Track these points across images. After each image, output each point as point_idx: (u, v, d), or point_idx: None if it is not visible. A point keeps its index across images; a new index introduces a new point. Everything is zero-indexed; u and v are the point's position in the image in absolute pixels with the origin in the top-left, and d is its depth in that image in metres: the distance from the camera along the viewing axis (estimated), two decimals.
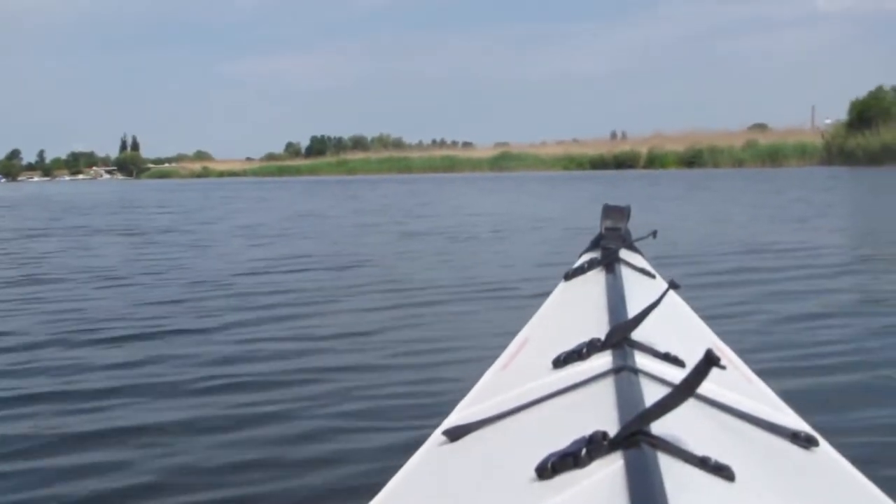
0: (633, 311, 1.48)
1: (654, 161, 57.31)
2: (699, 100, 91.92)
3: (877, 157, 44.90)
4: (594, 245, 2.46)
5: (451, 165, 69.76)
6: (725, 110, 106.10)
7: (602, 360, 1.23)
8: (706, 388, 0.97)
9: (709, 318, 1.94)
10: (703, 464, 0.84)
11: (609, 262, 2.13)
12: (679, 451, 0.85)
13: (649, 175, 44.24)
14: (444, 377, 3.92)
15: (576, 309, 1.84)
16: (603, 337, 1.31)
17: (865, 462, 1.17)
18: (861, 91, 51.32)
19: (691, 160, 55.11)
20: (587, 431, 0.88)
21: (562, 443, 0.90)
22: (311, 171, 79.86)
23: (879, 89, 49.71)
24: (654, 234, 2.55)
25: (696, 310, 1.97)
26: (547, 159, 64.93)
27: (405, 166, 72.87)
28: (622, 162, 59.03)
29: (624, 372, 1.13)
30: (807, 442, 1.09)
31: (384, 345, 4.83)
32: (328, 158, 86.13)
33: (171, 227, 15.67)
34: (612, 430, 0.89)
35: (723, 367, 0.86)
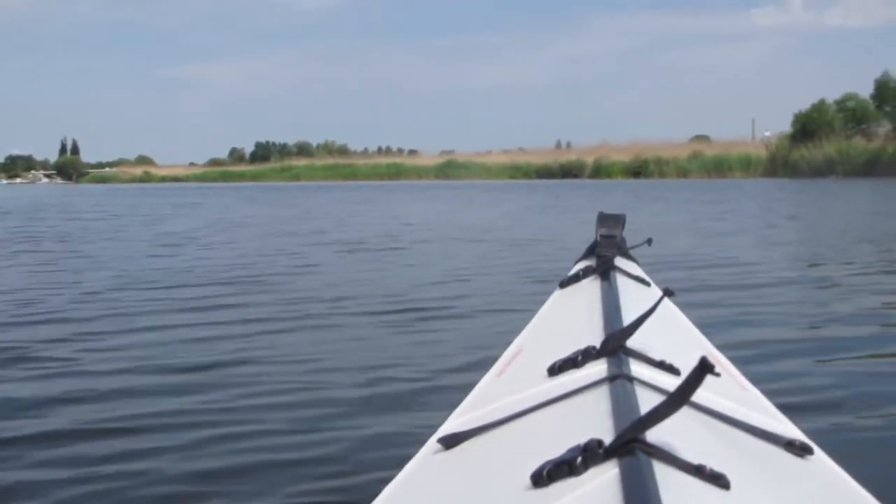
0: (628, 318, 1.47)
1: (601, 171, 57.50)
2: (643, 111, 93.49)
3: (820, 170, 45.52)
4: (589, 253, 2.46)
5: (396, 173, 69.64)
6: (669, 122, 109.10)
7: (597, 368, 1.22)
8: (701, 395, 0.98)
9: (701, 326, 1.92)
10: (699, 472, 0.85)
11: (604, 270, 2.12)
12: (674, 460, 0.86)
13: (597, 184, 44.29)
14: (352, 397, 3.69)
15: (571, 317, 1.85)
16: (598, 345, 1.30)
17: (860, 470, 1.12)
18: (800, 104, 52.19)
19: (637, 170, 55.34)
20: (582, 439, 0.89)
21: (557, 451, 0.90)
22: (255, 177, 79.02)
23: (822, 102, 50.32)
24: (650, 241, 2.51)
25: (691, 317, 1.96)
26: (493, 168, 64.95)
27: (350, 173, 72.57)
28: (568, 171, 59.13)
29: (619, 380, 1.13)
30: (802, 450, 1.09)
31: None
32: (273, 164, 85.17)
33: (69, 235, 14.52)
34: (608, 437, 0.89)
35: (717, 375, 0.87)
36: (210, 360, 4.33)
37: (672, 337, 1.63)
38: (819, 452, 1.11)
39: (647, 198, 26.34)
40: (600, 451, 0.86)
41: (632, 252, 2.53)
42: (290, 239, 12.90)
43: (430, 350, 4.65)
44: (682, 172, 53.45)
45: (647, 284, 2.23)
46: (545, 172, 60.46)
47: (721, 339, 2.17)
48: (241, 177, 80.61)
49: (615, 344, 1.28)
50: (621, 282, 2.05)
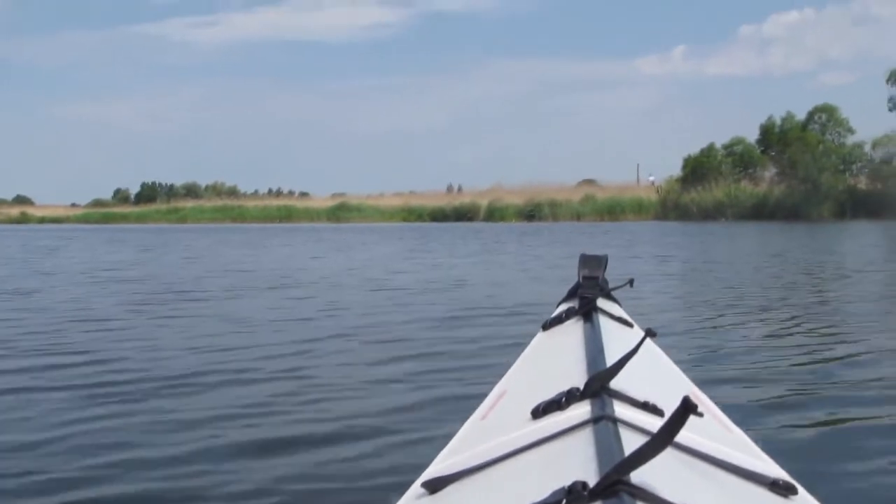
0: (611, 359, 1.46)
1: (495, 214, 56.96)
2: (533, 155, 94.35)
3: (710, 213, 46.13)
4: (572, 294, 2.45)
5: (287, 215, 67.63)
6: (559, 165, 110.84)
7: (581, 410, 1.22)
8: (685, 436, 0.98)
9: (684, 366, 1.94)
10: None
11: (587, 312, 2.13)
12: (659, 501, 0.87)
13: (490, 227, 43.60)
14: None
15: (554, 358, 1.86)
16: (581, 386, 1.30)
17: None
18: (683, 149, 53.24)
19: (531, 213, 55.06)
20: (567, 482, 0.89)
21: (542, 493, 0.90)
22: (140, 218, 75.17)
23: (711, 147, 51.12)
24: (631, 282, 2.49)
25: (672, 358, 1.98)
26: (386, 210, 63.82)
27: (239, 215, 69.97)
28: (462, 214, 58.37)
29: (603, 421, 1.13)
30: (786, 490, 1.10)
31: None
32: (158, 206, 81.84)
33: None
34: (592, 479, 0.89)
35: (700, 415, 0.89)
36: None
37: (655, 377, 1.64)
38: (803, 492, 1.13)
39: (545, 240, 25.36)
40: (585, 493, 0.86)
41: (613, 293, 2.50)
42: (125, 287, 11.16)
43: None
44: (576, 215, 53.46)
45: (630, 325, 2.23)
46: (439, 215, 59.61)
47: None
48: (124, 218, 76.70)
49: (598, 385, 1.27)
50: (604, 323, 2.05)
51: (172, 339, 6.93)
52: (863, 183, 47.16)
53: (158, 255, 20.88)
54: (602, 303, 2.29)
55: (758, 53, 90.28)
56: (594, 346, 1.69)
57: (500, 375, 1.81)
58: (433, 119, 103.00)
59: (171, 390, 4.93)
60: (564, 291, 2.50)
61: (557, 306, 2.44)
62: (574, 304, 2.32)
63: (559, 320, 2.21)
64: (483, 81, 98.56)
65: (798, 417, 3.95)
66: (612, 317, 2.20)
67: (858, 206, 44.42)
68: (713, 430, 1.30)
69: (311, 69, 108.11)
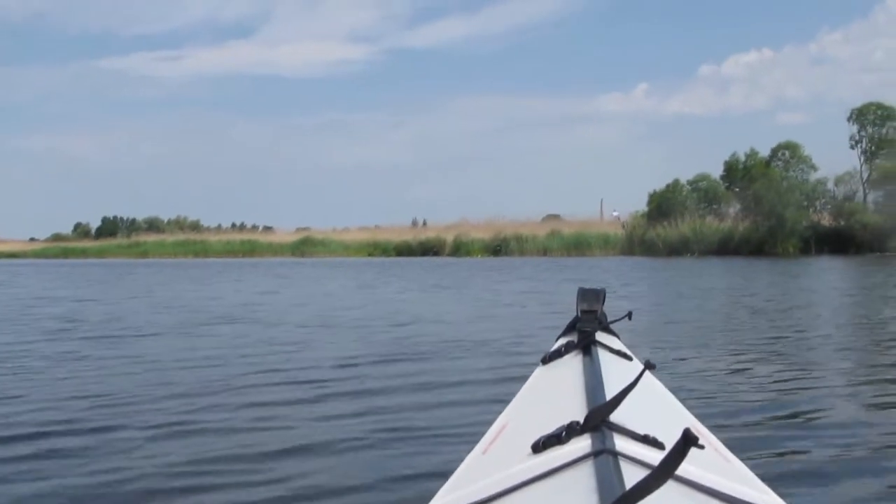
0: (610, 393, 1.45)
1: (461, 248, 56.54)
2: (498, 190, 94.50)
3: (676, 248, 46.12)
4: (570, 328, 2.44)
5: (251, 249, 66.60)
6: (523, 200, 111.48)
7: (581, 444, 1.22)
8: (685, 468, 0.97)
9: (684, 399, 1.94)
10: None
11: (586, 345, 2.12)
12: None
13: (457, 262, 43.13)
14: None
15: (554, 392, 1.85)
16: (582, 420, 1.29)
17: None
18: (646, 185, 53.48)
19: (497, 248, 54.75)
20: None
21: None
22: (100, 253, 73.80)
23: (676, 182, 51.19)
24: (630, 315, 2.56)
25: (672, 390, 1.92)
26: (351, 245, 63.14)
27: (202, 250, 68.91)
28: (428, 249, 57.87)
29: (603, 455, 1.13)
30: None
31: None
32: (119, 240, 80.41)
33: None
34: None
35: (701, 447, 0.87)
36: None
37: (655, 410, 1.64)
38: None
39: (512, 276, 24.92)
40: None
41: (612, 326, 2.48)
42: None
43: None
44: (543, 250, 53.15)
45: (629, 358, 2.21)
46: (405, 250, 59.06)
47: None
48: (83, 253, 75.28)
49: (598, 419, 1.27)
50: (603, 356, 2.03)
51: (69, 381, 6.36)
52: (826, 219, 47.46)
53: (97, 292, 20.04)
54: (601, 336, 2.29)
55: (718, 92, 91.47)
56: (594, 380, 1.68)
57: (500, 410, 1.79)
58: (398, 154, 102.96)
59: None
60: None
61: (556, 340, 2.43)
62: (573, 337, 2.31)
63: (558, 354, 2.20)
64: (448, 117, 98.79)
65: (798, 447, 3.98)
66: (611, 350, 2.19)
67: (822, 242, 44.63)
68: (714, 463, 1.29)
69: (276, 103, 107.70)
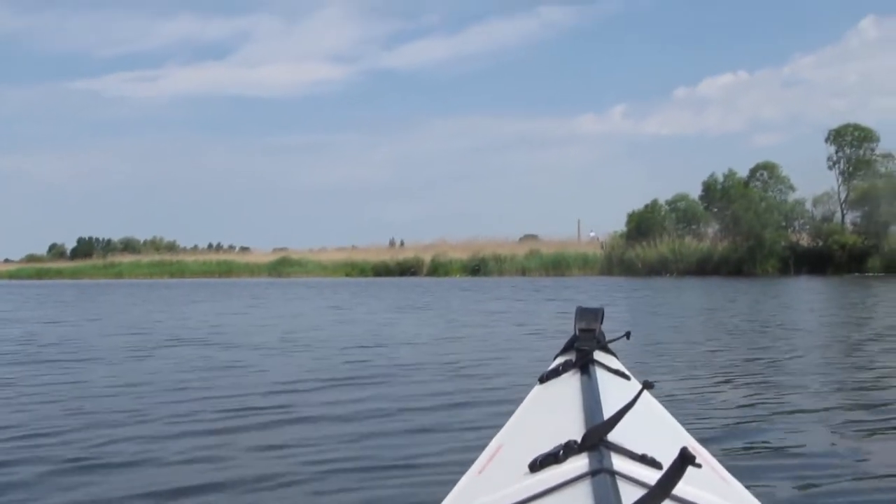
0: (608, 412, 1.43)
1: (439, 269, 56.16)
2: (476, 210, 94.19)
3: (655, 268, 46.01)
4: (568, 347, 2.40)
5: (228, 270, 66.14)
6: (501, 221, 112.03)
7: (579, 463, 1.21)
8: (682, 488, 0.97)
9: (682, 418, 1.90)
10: None
11: (583, 364, 2.10)
12: None
13: (437, 282, 42.71)
14: None
15: (551, 411, 1.84)
16: (579, 439, 1.28)
17: None
18: (624, 206, 53.51)
19: (476, 268, 54.41)
20: None
21: None
22: (75, 274, 73.13)
23: (655, 202, 51.12)
24: (628, 335, 2.55)
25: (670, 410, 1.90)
26: (329, 265, 62.67)
27: (178, 270, 68.45)
28: (406, 269, 57.44)
29: (601, 474, 1.12)
30: None
31: None
32: (95, 261, 79.63)
33: None
34: None
35: (698, 466, 0.89)
36: None
37: (653, 430, 1.63)
38: None
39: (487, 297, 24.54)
40: None
41: (610, 346, 2.47)
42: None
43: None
44: (522, 270, 52.92)
45: (627, 378, 2.21)
46: (382, 270, 58.58)
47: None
48: (58, 274, 74.45)
49: (596, 438, 1.26)
50: (601, 375, 2.03)
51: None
52: (805, 239, 47.49)
53: (59, 313, 19.44)
54: (599, 355, 2.27)
55: (694, 113, 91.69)
56: (591, 399, 1.67)
57: (497, 429, 1.76)
58: (376, 174, 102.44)
59: None
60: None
61: (554, 359, 2.40)
62: (571, 356, 2.29)
63: (556, 373, 2.19)
64: (426, 138, 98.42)
65: (795, 468, 3.95)
66: (608, 369, 2.18)
67: (801, 262, 44.61)
68: (711, 482, 1.28)
69: (253, 124, 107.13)
